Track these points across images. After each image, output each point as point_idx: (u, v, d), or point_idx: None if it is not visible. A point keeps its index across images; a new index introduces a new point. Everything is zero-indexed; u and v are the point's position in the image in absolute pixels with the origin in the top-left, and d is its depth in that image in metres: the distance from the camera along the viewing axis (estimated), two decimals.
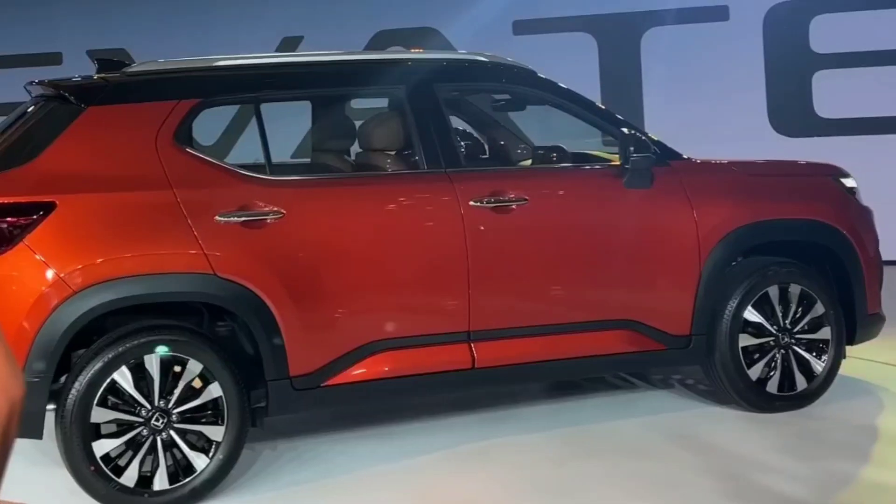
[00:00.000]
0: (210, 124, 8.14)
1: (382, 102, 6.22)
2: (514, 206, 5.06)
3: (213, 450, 4.58)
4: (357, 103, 7.72)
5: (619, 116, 5.55)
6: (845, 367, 5.73)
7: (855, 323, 5.66)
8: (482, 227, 4.98)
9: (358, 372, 4.85)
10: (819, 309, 5.50)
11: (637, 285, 5.32)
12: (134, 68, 5.04)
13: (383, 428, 5.50)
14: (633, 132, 5.25)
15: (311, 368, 4.76)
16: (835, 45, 9.92)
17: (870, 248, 5.68)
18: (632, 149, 5.18)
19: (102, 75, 5.05)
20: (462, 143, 5.70)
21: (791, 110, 10.06)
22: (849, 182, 5.79)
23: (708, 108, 9.88)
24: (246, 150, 8.93)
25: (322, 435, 5.45)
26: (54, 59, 9.75)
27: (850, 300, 5.64)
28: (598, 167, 5.54)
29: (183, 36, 9.52)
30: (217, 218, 4.62)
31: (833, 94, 9.92)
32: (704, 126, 9.34)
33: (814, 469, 4.73)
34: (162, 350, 4.44)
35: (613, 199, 5.30)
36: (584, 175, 5.44)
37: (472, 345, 5.01)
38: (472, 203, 4.97)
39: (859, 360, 6.18)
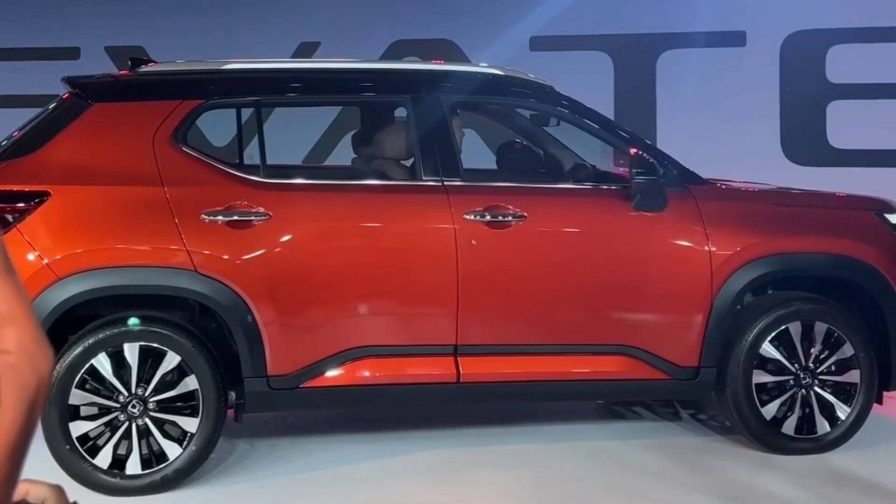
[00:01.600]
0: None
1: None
2: (511, 222, 5.03)
3: (186, 440, 4.71)
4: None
5: (640, 137, 5.42)
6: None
7: (890, 368, 5.35)
8: (474, 241, 4.97)
9: (338, 376, 4.92)
10: (847, 350, 5.22)
11: (639, 311, 5.19)
12: (147, 68, 5.19)
13: (377, 434, 5.58)
14: (641, 153, 5.12)
15: (290, 369, 4.86)
16: (851, 76, 9.93)
17: None
18: (637, 170, 5.08)
19: (113, 73, 5.25)
20: (519, 157, 5.75)
21: (804, 139, 10.07)
22: (893, 218, 5.46)
23: (721, 133, 9.89)
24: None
25: (305, 435, 5.58)
26: (72, 53, 9.90)
27: (886, 343, 5.35)
28: (609, 188, 5.33)
29: (200, 36, 9.64)
30: (203, 216, 4.76)
31: (847, 124, 9.92)
32: (717, 150, 9.34)
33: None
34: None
35: (618, 221, 5.17)
36: (589, 194, 5.30)
37: (459, 359, 5.00)
38: (466, 216, 4.97)
39: None
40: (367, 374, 4.94)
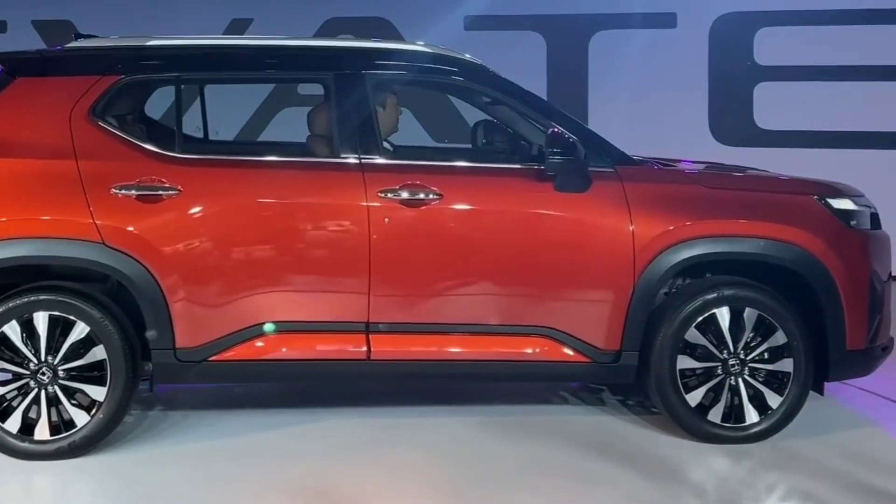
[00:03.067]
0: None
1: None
2: (425, 201, 5.05)
3: (95, 409, 4.85)
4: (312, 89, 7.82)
5: (571, 118, 5.36)
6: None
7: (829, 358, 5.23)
8: (387, 219, 5.03)
9: (246, 351, 5.01)
10: (780, 338, 5.12)
11: (557, 293, 5.15)
12: (72, 44, 5.29)
13: (291, 410, 5.62)
14: (560, 133, 5.03)
15: (197, 343, 4.97)
16: (778, 58, 10.16)
17: (858, 276, 5.22)
18: (554, 150, 5.02)
19: (41, 49, 5.45)
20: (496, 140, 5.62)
21: (732, 120, 10.31)
22: (840, 203, 5.30)
23: (651, 113, 10.10)
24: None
25: (220, 407, 5.68)
26: None
27: (824, 332, 5.22)
28: (533, 167, 5.20)
29: (132, 11, 9.67)
30: (113, 190, 4.87)
31: (774, 106, 10.15)
32: (646, 131, 9.53)
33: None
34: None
35: (538, 201, 5.13)
36: (511, 174, 5.24)
37: (370, 336, 5.07)
38: (379, 194, 5.03)
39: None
40: (276, 349, 5.03)
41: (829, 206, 5.25)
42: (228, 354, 5.01)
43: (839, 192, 5.36)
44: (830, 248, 5.16)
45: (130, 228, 4.86)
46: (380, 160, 5.13)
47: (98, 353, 4.83)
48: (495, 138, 5.67)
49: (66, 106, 4.99)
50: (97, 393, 4.84)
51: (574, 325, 5.14)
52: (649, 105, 10.13)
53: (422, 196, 5.04)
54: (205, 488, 4.57)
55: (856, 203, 5.36)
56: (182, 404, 5.73)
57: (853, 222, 5.29)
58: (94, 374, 4.85)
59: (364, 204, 5.01)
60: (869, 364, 5.37)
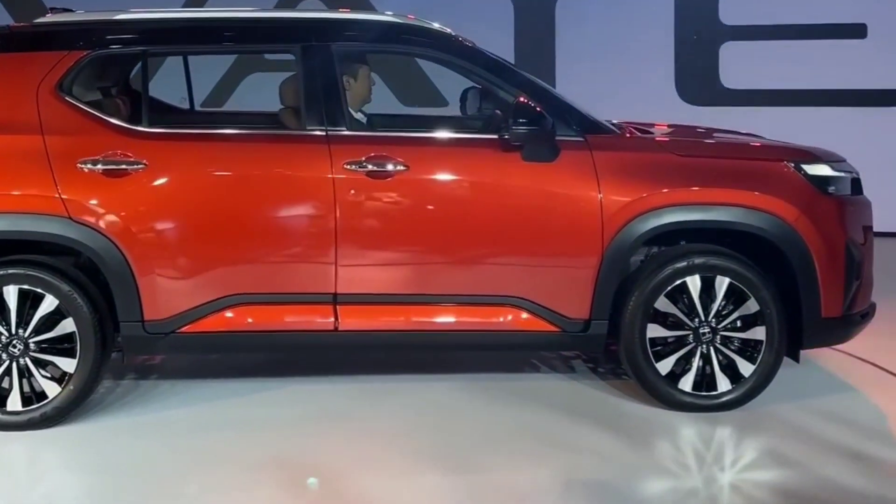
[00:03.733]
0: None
1: None
2: (391, 172, 5.09)
3: (65, 380, 4.95)
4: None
5: (544, 87, 5.39)
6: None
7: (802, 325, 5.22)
8: (353, 191, 5.06)
9: (214, 322, 5.09)
10: (752, 306, 5.13)
11: (524, 263, 5.18)
12: (42, 19, 5.35)
13: (260, 380, 5.71)
14: (525, 103, 5.06)
15: (166, 315, 5.06)
16: (743, 18, 10.27)
17: (834, 243, 5.18)
18: (519, 119, 5.03)
19: (9, 24, 5.48)
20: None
21: (697, 80, 10.42)
22: (815, 169, 5.27)
23: (618, 75, 10.20)
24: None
25: (190, 378, 5.77)
26: None
27: (798, 300, 5.20)
28: (498, 138, 5.17)
29: None
30: (79, 165, 4.95)
31: (739, 65, 10.27)
32: (613, 92, 9.61)
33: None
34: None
35: (504, 171, 5.15)
36: (477, 144, 5.25)
37: (337, 307, 5.12)
38: (345, 166, 5.05)
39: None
40: (243, 320, 5.10)
41: (803, 172, 5.22)
42: (196, 326, 5.09)
43: (815, 158, 5.34)
44: (803, 215, 5.14)
45: (96, 203, 4.94)
46: (346, 132, 5.16)
47: (67, 325, 4.92)
48: (483, 105, 5.71)
49: (34, 81, 5.06)
50: (68, 365, 4.94)
51: (542, 294, 5.18)
52: (616, 67, 10.23)
53: (388, 167, 5.08)
54: (173, 458, 4.67)
55: (833, 169, 5.33)
56: (154, 374, 5.83)
57: (830, 188, 5.25)
58: (64, 346, 4.94)
59: (330, 176, 5.05)
60: (846, 331, 5.39)
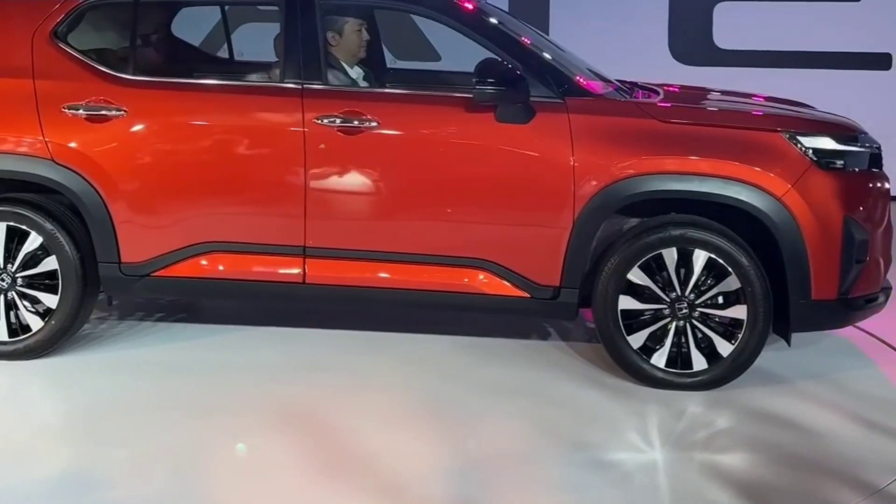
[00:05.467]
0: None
1: None
2: (362, 128, 5.10)
3: (48, 315, 5.20)
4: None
5: (528, 44, 5.27)
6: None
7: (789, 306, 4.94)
8: (323, 146, 5.11)
9: (187, 268, 5.24)
10: (733, 283, 4.87)
11: (493, 225, 5.11)
12: None
13: (238, 327, 5.84)
14: (491, 61, 5.02)
15: (141, 258, 5.24)
16: None
17: (829, 220, 4.88)
18: (488, 79, 4.92)
19: None
20: None
21: (691, 40, 10.45)
22: (814, 142, 4.95)
23: (612, 34, 10.23)
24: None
25: (171, 320, 5.97)
26: None
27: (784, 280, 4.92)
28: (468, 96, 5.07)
29: None
30: (63, 109, 5.17)
31: (733, 26, 10.32)
32: (606, 51, 9.67)
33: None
34: None
35: (475, 131, 5.09)
36: (450, 103, 5.18)
37: (306, 260, 5.19)
38: (316, 120, 5.09)
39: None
40: (215, 268, 5.23)
41: (800, 145, 4.93)
42: (170, 271, 5.25)
43: (817, 130, 5.04)
44: (794, 190, 4.84)
45: (77, 146, 5.15)
46: (320, 86, 5.19)
47: (50, 262, 5.17)
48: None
49: (30, 27, 5.30)
50: (51, 300, 5.18)
51: (511, 258, 5.09)
52: (610, 25, 10.29)
53: (357, 123, 5.09)
54: (149, 395, 4.87)
55: (838, 142, 5.00)
56: (143, 315, 6.03)
57: (835, 162, 4.94)
58: (47, 282, 5.19)
59: (301, 129, 5.11)
60: (844, 315, 5.06)
